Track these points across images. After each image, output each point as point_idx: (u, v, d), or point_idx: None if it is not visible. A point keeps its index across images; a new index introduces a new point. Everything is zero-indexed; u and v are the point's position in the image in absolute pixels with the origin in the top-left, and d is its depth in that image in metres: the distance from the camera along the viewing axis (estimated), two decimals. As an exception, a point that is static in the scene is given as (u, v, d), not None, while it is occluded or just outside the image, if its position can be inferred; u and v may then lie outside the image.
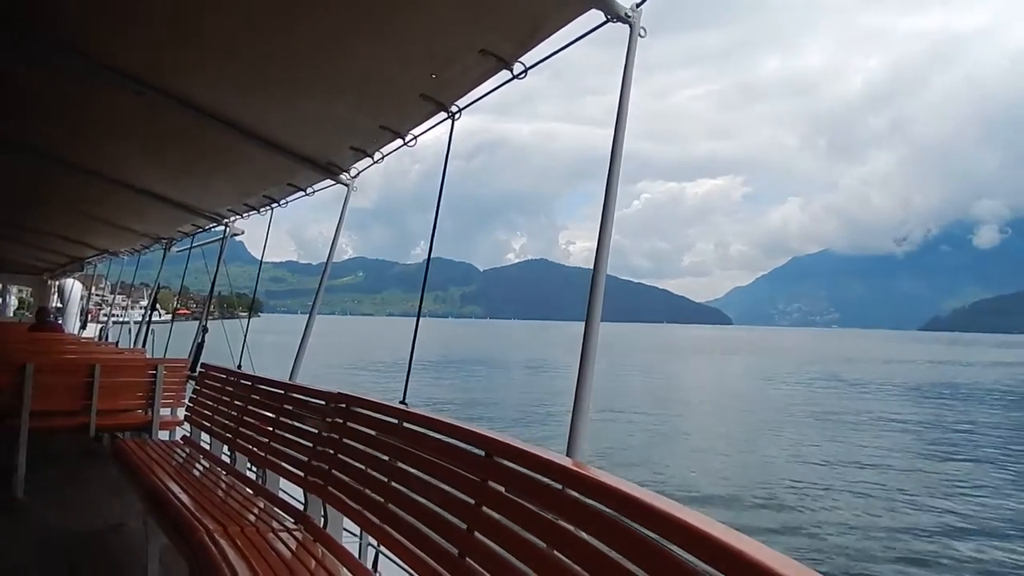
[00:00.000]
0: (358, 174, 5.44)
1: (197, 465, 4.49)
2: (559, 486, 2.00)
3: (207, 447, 5.06)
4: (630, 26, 2.94)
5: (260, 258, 8.07)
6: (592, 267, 3.01)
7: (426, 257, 4.82)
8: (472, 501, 2.31)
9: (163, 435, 6.10)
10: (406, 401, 3.71)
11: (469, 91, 3.86)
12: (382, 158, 5.04)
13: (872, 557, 10.22)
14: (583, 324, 2.88)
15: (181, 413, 6.11)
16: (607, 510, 1.80)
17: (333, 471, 3.31)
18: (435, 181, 4.65)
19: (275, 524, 3.24)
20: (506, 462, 2.27)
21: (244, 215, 7.69)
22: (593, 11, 2.93)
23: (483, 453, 2.38)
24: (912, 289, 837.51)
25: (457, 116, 4.06)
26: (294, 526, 3.25)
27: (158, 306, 12.44)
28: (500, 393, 30.51)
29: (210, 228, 8.66)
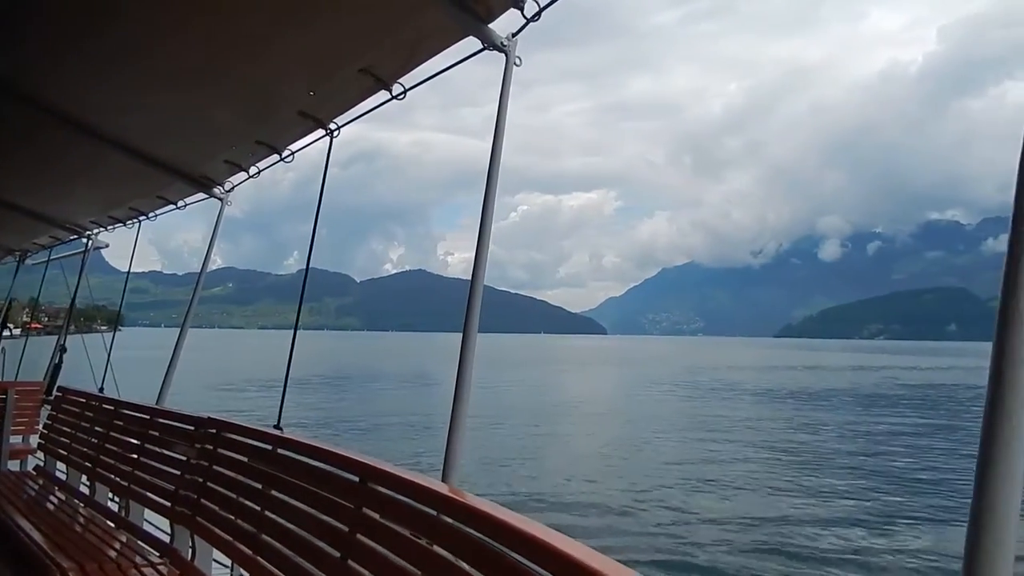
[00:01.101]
0: (232, 188, 5.27)
1: (51, 498, 4.20)
2: (434, 512, 2.00)
3: (63, 478, 4.73)
4: (506, 55, 3.03)
5: (127, 271, 7.58)
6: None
7: (301, 267, 4.70)
8: (346, 528, 2.28)
9: (12, 465, 5.62)
10: (280, 425, 3.60)
11: (348, 109, 3.89)
12: (258, 172, 4.94)
13: (737, 549, 10.83)
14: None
15: (35, 441, 5.65)
16: (482, 536, 1.81)
17: (202, 500, 3.18)
18: (309, 189, 4.61)
19: (138, 559, 3.11)
20: (381, 488, 2.25)
21: (109, 228, 7.18)
22: (471, 38, 3.00)
23: (358, 479, 2.36)
24: (768, 299, 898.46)
25: (336, 133, 4.05)
26: (159, 559, 3.11)
27: (9, 323, 11.30)
28: (376, 408, 29.96)
29: (71, 240, 8.02)
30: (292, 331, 4.43)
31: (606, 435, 22.52)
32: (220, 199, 5.32)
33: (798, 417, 28.74)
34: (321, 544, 2.37)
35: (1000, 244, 1.21)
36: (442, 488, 2.14)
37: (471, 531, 1.84)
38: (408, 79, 3.42)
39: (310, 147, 4.39)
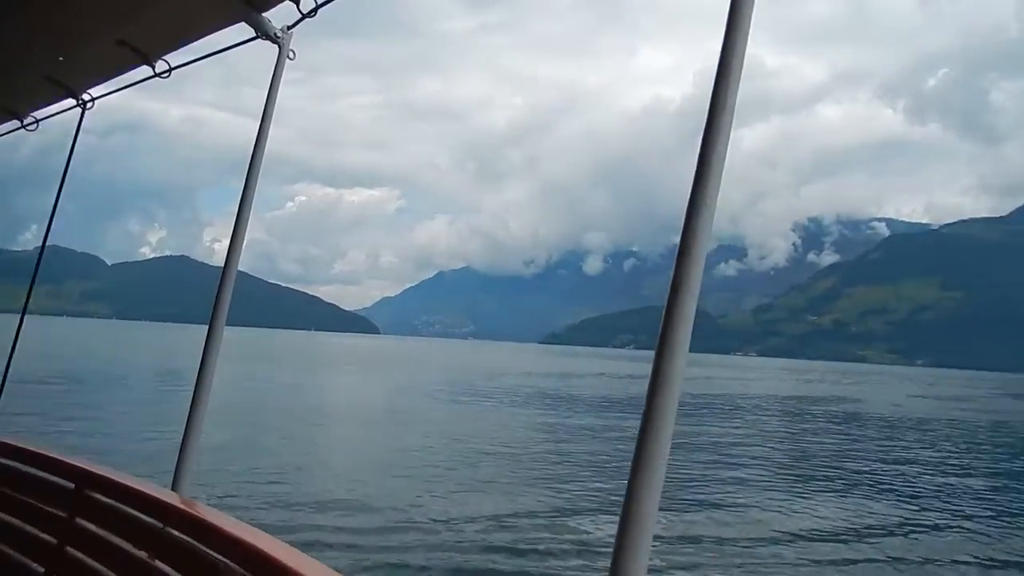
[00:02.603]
0: (-38, 155, 4.65)
1: None
2: (159, 523, 1.84)
3: None
4: (279, 47, 2.96)
5: None
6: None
7: (40, 244, 4.27)
8: (55, 541, 2.07)
9: None
10: None
11: (104, 81, 3.60)
12: (-6, 140, 4.40)
13: (466, 548, 11.17)
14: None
15: None
16: (211, 552, 1.66)
17: None
18: (55, 159, 4.19)
19: None
20: (100, 496, 2.06)
21: None
22: (243, 24, 2.91)
23: (73, 485, 2.13)
24: (536, 307, 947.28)
25: (90, 105, 3.73)
26: None
27: None
28: (107, 407, 26.91)
29: None
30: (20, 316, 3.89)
31: (370, 440, 22.36)
32: None
33: (541, 419, 30.39)
34: (24, 559, 2.12)
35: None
36: (171, 497, 1.98)
37: (200, 546, 1.69)
38: (176, 57, 3.24)
39: (59, 116, 4.00)
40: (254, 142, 3.05)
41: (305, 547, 1.52)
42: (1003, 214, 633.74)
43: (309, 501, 13.36)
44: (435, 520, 12.51)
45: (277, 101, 3.05)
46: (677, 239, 1.45)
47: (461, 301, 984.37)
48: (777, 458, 22.45)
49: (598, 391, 52.24)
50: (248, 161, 3.04)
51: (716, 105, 1.47)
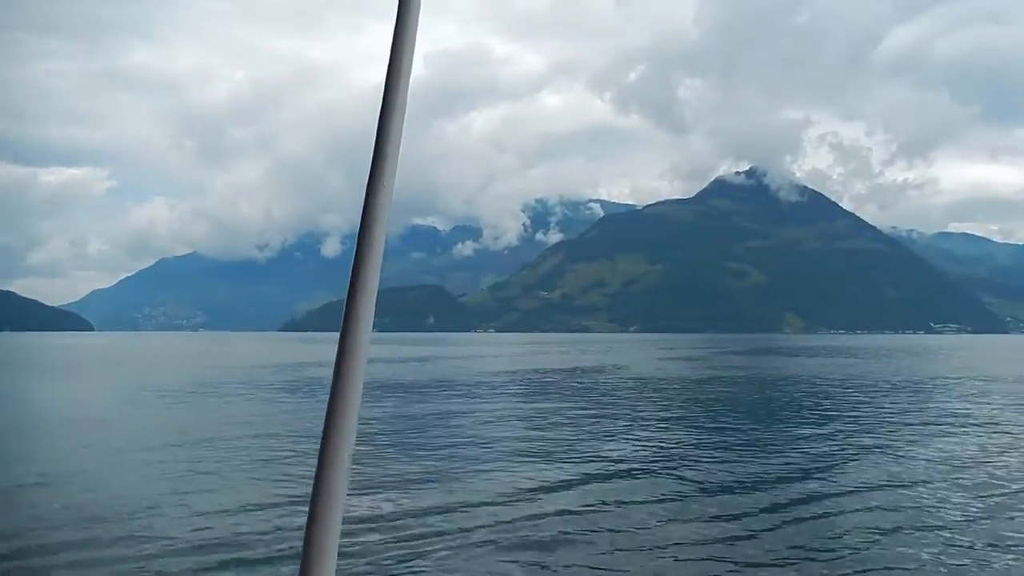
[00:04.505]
0: None
1: None
2: None
3: None
4: None
5: None
6: None
7: None
8: None
9: None
10: None
11: None
12: None
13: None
14: None
15: None
16: None
17: None
18: None
19: None
20: None
21: None
22: None
23: None
24: (272, 293, 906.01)
25: None
26: None
27: None
28: None
29: None
30: None
31: (80, 454, 20.13)
32: None
33: (264, 411, 29.54)
34: None
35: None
36: None
37: None
38: None
39: None
40: None
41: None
42: (691, 195, 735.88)
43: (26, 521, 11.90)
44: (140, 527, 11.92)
45: None
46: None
47: (188, 290, 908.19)
48: (496, 432, 23.59)
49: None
50: None
51: (391, 85, 1.45)
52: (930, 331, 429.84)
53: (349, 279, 1.45)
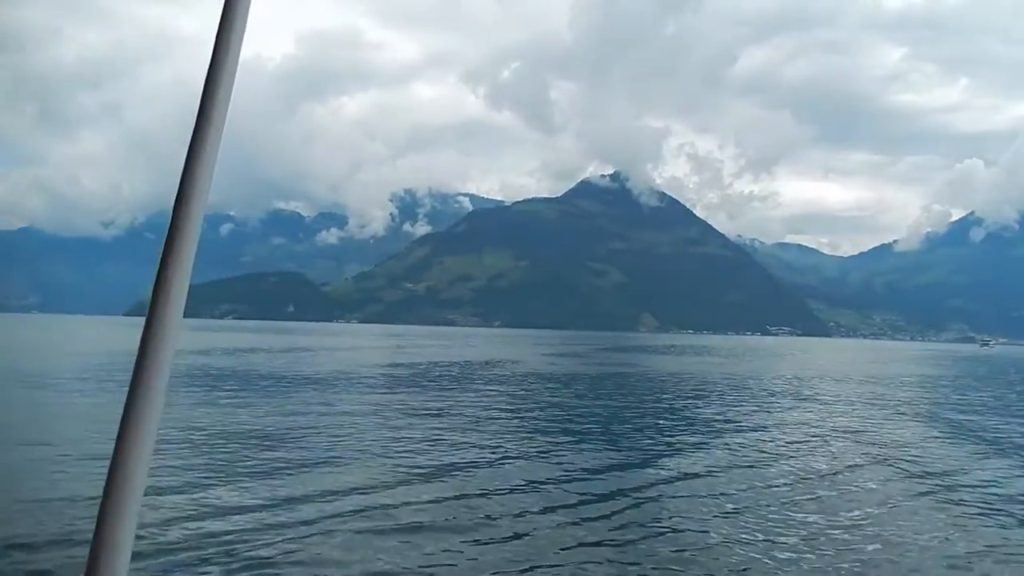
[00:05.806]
0: None
1: None
2: None
3: None
4: None
5: None
6: None
7: None
8: None
9: None
10: None
11: None
12: None
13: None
14: None
15: None
16: None
17: None
18: None
19: None
20: None
21: None
22: None
23: None
24: (118, 274, 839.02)
25: None
26: None
27: None
28: None
29: None
30: None
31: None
32: None
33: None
34: None
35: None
36: None
37: None
38: None
39: None
40: None
41: None
42: (558, 195, 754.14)
43: None
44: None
45: None
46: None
47: (20, 268, 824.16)
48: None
49: (194, 367, 48.02)
50: None
51: (217, 63, 1.40)
52: (766, 333, 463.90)
53: (157, 267, 1.36)
